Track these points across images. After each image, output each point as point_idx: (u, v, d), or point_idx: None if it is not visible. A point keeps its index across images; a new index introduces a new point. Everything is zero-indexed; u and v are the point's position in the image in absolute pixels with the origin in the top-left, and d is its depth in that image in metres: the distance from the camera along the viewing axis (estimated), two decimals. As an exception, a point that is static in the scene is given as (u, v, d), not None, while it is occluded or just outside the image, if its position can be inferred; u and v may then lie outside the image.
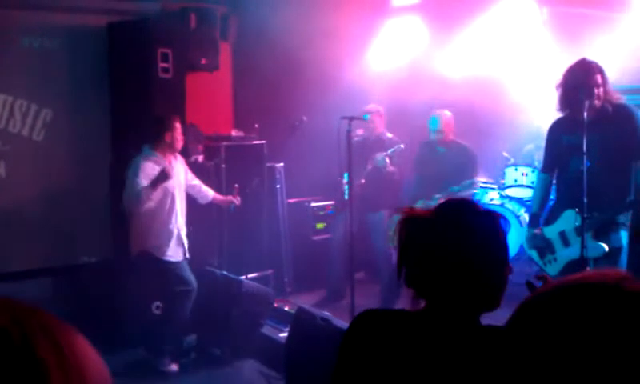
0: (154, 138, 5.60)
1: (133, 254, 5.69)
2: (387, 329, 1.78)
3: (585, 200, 4.13)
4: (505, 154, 7.56)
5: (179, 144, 5.70)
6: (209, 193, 6.08)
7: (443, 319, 1.74)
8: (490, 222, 1.75)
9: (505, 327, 0.88)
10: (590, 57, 4.41)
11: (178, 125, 5.66)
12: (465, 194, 6.01)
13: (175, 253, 5.65)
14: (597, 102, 4.22)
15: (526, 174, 7.21)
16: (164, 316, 5.74)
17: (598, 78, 4.23)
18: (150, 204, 5.49)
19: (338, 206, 7.17)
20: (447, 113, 6.36)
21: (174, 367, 5.71)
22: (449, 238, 1.72)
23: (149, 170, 5.46)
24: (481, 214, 1.77)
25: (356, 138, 6.74)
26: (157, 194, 5.49)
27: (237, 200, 6.12)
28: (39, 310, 0.69)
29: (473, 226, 1.74)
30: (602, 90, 4.24)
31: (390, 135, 6.60)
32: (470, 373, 1.64)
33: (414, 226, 1.78)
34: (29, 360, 0.64)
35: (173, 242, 5.63)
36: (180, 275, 5.65)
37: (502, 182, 7.41)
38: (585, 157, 4.15)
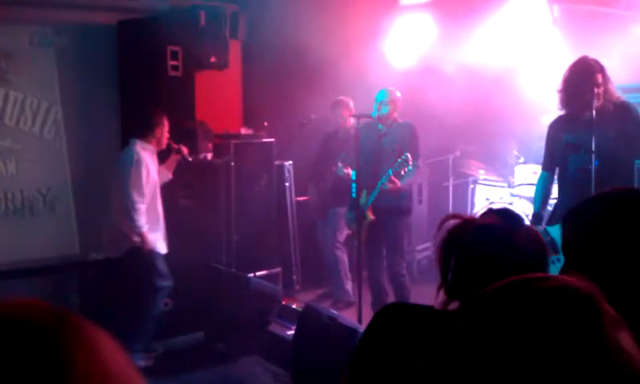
0: (144, 131, 5.66)
1: (122, 249, 5.59)
2: (416, 325, 1.77)
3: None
4: (515, 153, 7.53)
5: (165, 141, 5.77)
6: (168, 172, 6.02)
7: None
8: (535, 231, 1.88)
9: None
10: (601, 55, 4.38)
11: (166, 122, 5.73)
12: (403, 174, 5.54)
13: (162, 246, 5.71)
14: (597, 102, 4.18)
15: (537, 173, 7.18)
16: (141, 311, 5.67)
17: (599, 77, 4.20)
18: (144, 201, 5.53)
19: (318, 208, 7.09)
20: (398, 93, 5.99)
21: (149, 361, 5.67)
22: (511, 243, 1.76)
23: (144, 170, 5.49)
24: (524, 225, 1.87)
25: (326, 132, 6.68)
26: (149, 190, 5.56)
27: (184, 150, 5.95)
28: (71, 313, 0.73)
29: (526, 234, 1.81)
30: (602, 89, 4.21)
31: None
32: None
33: (471, 233, 1.78)
34: (55, 356, 0.67)
35: (162, 234, 5.70)
36: (164, 270, 5.67)
37: (512, 180, 7.39)
38: (594, 156, 4.13)
